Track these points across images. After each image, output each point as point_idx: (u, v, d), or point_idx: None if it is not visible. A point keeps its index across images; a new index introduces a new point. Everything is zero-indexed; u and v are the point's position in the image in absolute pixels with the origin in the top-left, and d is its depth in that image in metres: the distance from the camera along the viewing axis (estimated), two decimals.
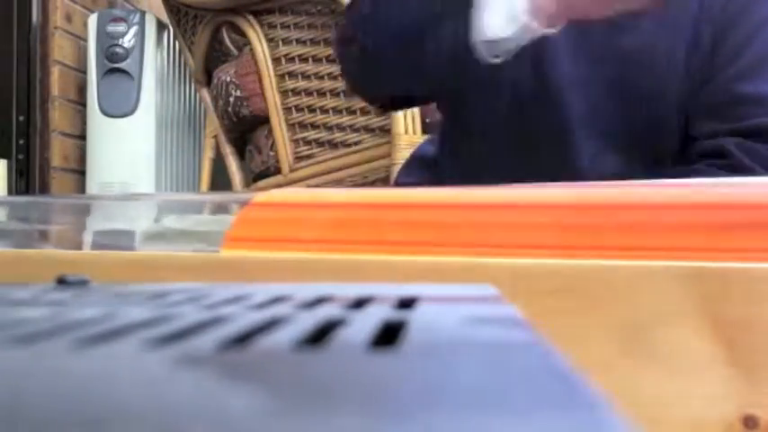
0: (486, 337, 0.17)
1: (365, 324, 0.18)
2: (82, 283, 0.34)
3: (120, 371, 0.13)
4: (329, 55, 1.84)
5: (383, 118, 1.69)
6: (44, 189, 2.40)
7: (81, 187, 2.48)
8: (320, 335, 0.17)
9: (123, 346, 0.15)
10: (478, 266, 0.51)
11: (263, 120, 1.94)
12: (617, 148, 0.87)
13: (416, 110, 1.60)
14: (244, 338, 0.16)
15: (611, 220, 0.58)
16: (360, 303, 0.24)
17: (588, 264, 0.46)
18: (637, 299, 0.46)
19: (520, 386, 0.14)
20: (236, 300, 0.25)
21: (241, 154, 2.10)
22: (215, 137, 2.15)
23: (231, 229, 0.57)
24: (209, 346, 0.15)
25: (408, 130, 1.62)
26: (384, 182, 1.74)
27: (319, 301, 0.25)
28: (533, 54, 0.87)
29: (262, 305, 0.23)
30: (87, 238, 0.77)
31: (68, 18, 2.51)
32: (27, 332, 0.17)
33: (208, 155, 2.20)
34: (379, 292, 0.27)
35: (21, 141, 2.41)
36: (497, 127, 0.90)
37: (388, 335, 0.17)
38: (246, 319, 0.19)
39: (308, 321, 0.19)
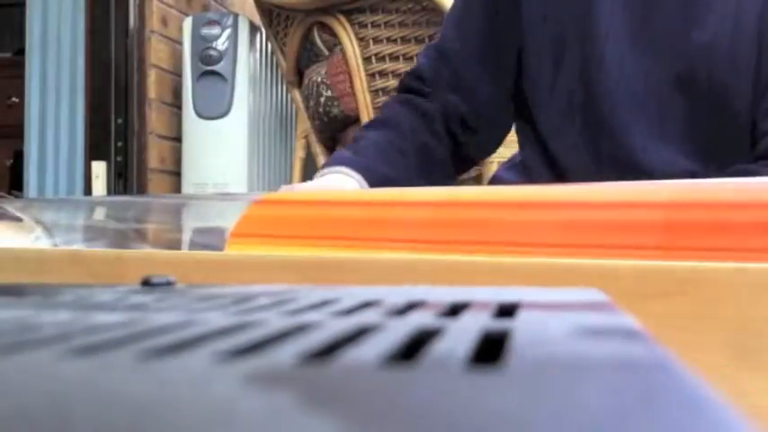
0: (604, 352, 0.14)
1: (463, 336, 0.16)
2: (166, 285, 0.33)
3: (184, 388, 0.12)
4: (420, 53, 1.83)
5: None
6: (141, 190, 2.46)
7: (177, 188, 2.53)
8: (413, 348, 0.15)
9: (193, 359, 0.14)
10: (575, 268, 0.48)
11: (354, 119, 1.94)
12: (682, 147, 0.83)
13: None
14: (327, 351, 0.15)
15: (717, 219, 0.54)
16: (455, 310, 0.22)
17: (700, 266, 0.43)
18: (752, 302, 0.42)
19: (650, 413, 0.11)
20: (322, 305, 0.23)
21: (332, 153, 2.10)
22: (306, 137, 2.16)
23: (234, 227, 0.58)
24: (287, 361, 0.13)
25: None
26: (475, 180, 1.71)
27: (410, 306, 0.23)
28: (580, 47, 0.84)
29: (349, 311, 0.22)
30: (177, 237, 0.78)
31: (164, 22, 2.57)
32: (95, 341, 0.16)
33: (299, 155, 2.22)
34: (475, 296, 0.25)
35: (119, 144, 2.48)
36: (563, 127, 0.88)
37: (489, 348, 0.15)
38: (331, 327, 0.18)
39: (399, 332, 0.17)
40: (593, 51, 0.84)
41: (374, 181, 0.86)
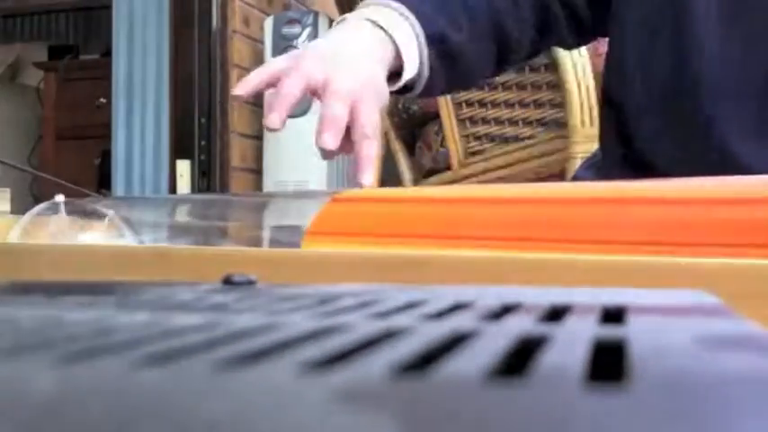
0: (742, 366, 0.12)
1: (573, 345, 0.14)
2: (248, 284, 0.32)
3: (265, 405, 0.11)
4: None
5: (558, 110, 1.62)
6: (224, 188, 2.49)
7: (258, 186, 2.56)
8: (518, 359, 0.13)
9: (276, 370, 0.13)
10: (671, 266, 0.45)
11: (433, 116, 1.92)
12: None
13: (594, 101, 1.53)
14: (422, 362, 0.13)
15: None
16: (555, 314, 0.20)
17: None
18: None
19: None
20: (410, 306, 0.22)
21: (410, 151, 2.09)
22: (385, 134, 2.15)
23: (311, 224, 0.58)
24: (379, 374, 0.12)
25: (585, 122, 1.55)
26: (559, 177, 1.67)
27: (506, 309, 0.21)
28: (674, 29, 0.80)
29: (439, 314, 0.20)
30: (256, 234, 0.78)
31: (246, 22, 2.60)
32: (172, 347, 0.15)
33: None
34: (574, 298, 0.23)
35: (203, 142, 2.52)
36: (649, 113, 0.84)
37: (602, 360, 0.14)
38: (423, 333, 0.16)
39: (500, 340, 0.15)
40: (687, 42, 0.80)
41: (428, 37, 0.74)
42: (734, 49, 0.79)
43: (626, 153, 0.87)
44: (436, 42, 0.76)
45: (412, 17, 0.74)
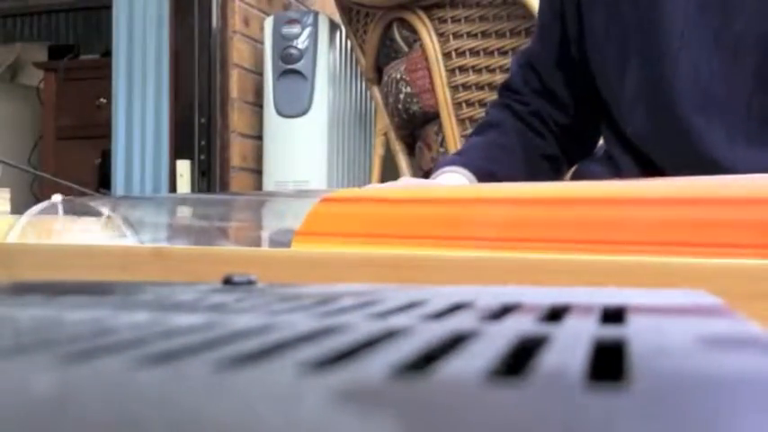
0: (741, 366, 0.12)
1: (573, 345, 0.14)
2: (248, 284, 0.32)
3: (266, 405, 0.11)
4: (501, 47, 1.80)
5: None
6: (224, 188, 2.49)
7: (258, 185, 2.56)
8: (518, 359, 0.13)
9: (276, 370, 0.13)
10: (672, 267, 0.45)
11: (433, 116, 1.92)
12: (763, 146, 0.79)
13: None
14: (422, 362, 0.13)
15: None
16: (555, 314, 0.20)
17: None
18: None
19: None
20: (411, 307, 0.22)
21: (411, 151, 2.09)
22: (385, 134, 2.15)
23: (301, 224, 0.58)
24: (380, 374, 0.12)
25: None
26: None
27: (506, 310, 0.21)
28: (647, 48, 0.81)
29: (440, 314, 0.20)
30: (252, 234, 0.78)
31: (246, 22, 2.60)
32: (172, 347, 0.15)
33: (378, 152, 2.21)
34: (574, 298, 0.23)
35: (203, 142, 2.52)
36: (636, 118, 0.85)
37: (603, 360, 0.14)
38: (423, 333, 0.16)
39: (500, 340, 0.15)
40: (665, 56, 0.81)
41: (481, 178, 0.87)
42: (717, 65, 0.79)
43: (627, 150, 0.88)
44: (486, 178, 0.87)
45: (464, 170, 0.87)
